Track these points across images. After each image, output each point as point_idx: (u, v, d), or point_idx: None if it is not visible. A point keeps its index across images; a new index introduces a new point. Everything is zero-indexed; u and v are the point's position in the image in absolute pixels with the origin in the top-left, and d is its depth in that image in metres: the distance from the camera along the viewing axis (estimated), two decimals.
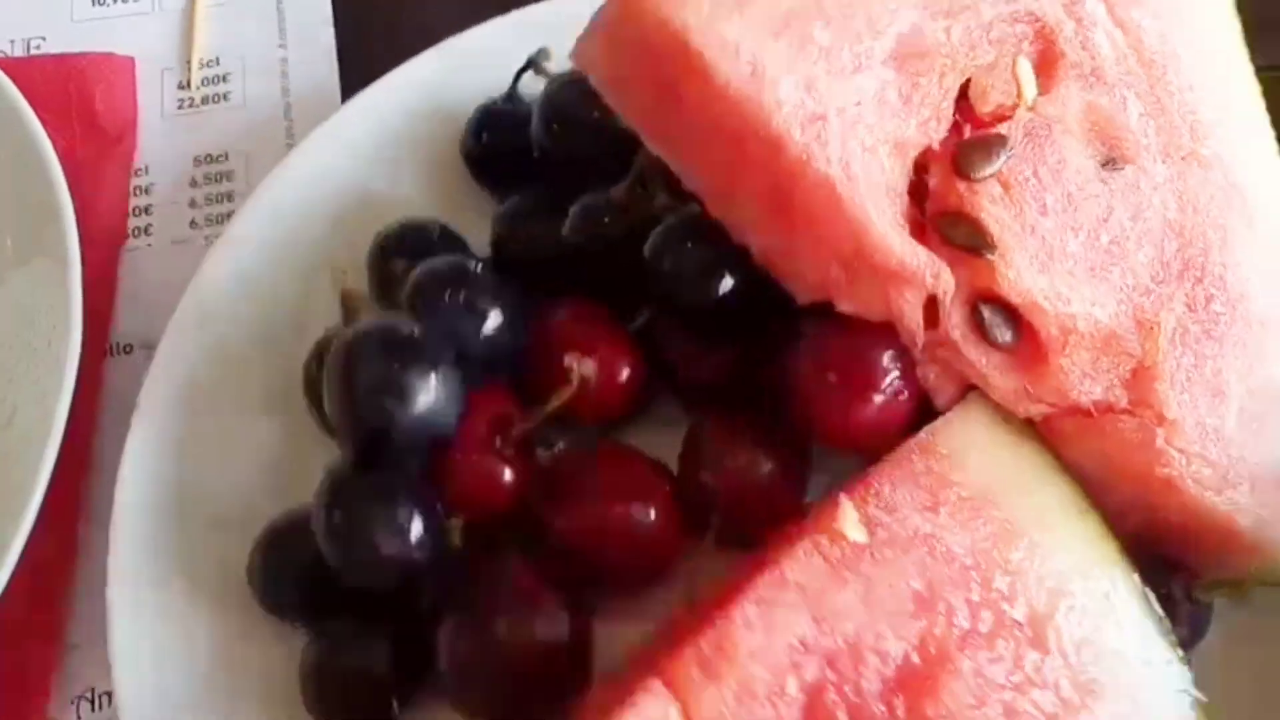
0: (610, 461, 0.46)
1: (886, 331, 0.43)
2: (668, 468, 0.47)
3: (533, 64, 0.54)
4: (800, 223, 0.41)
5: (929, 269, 0.41)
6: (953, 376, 0.43)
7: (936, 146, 0.43)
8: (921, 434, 0.42)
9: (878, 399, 0.43)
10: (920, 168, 0.43)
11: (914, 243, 0.42)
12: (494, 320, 0.45)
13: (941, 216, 0.43)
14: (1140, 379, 0.43)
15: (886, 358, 0.43)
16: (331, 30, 0.67)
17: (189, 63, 0.66)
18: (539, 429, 0.46)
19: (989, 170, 0.42)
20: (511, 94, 0.55)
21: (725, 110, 0.40)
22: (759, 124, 0.40)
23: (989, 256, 0.42)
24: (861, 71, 0.41)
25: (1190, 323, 0.44)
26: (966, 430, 0.43)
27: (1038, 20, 0.44)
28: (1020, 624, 0.40)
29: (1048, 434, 0.43)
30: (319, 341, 0.49)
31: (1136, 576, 0.41)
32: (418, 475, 0.44)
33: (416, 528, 0.42)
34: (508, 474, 0.45)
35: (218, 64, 0.66)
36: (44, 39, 0.66)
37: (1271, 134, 0.48)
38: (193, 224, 0.61)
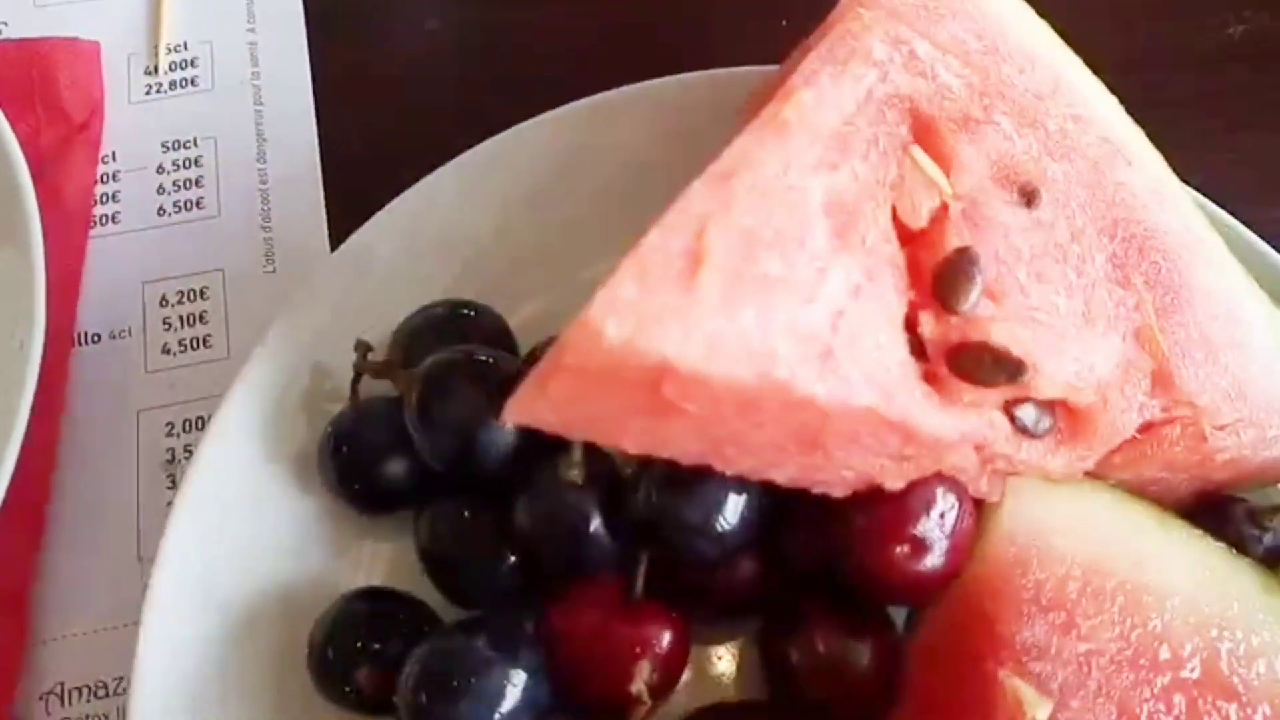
0: None
1: (929, 479, 0.41)
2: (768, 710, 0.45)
3: (361, 369, 0.48)
4: (835, 447, 0.38)
5: (984, 426, 0.40)
6: (1002, 475, 0.42)
7: (914, 296, 0.40)
8: (996, 547, 0.41)
9: (953, 545, 0.41)
10: (909, 324, 0.40)
11: (956, 410, 0.40)
12: (522, 688, 0.41)
13: (956, 358, 0.40)
14: (1160, 383, 0.43)
15: (947, 504, 0.41)
16: (301, 13, 0.65)
17: (156, 47, 0.64)
18: None
19: (975, 293, 0.40)
20: (356, 404, 0.48)
21: (737, 400, 0.36)
22: (780, 396, 0.36)
23: (1024, 378, 0.40)
24: (825, 275, 0.37)
25: (1160, 298, 0.43)
26: (1034, 513, 0.41)
27: (898, 98, 0.41)
28: (1202, 682, 0.39)
29: (1101, 471, 0.43)
30: None
31: (1238, 553, 0.41)
32: None
33: None
34: None
35: (185, 49, 0.64)
36: (5, 24, 0.64)
37: (1081, 62, 0.46)
38: (160, 210, 0.60)
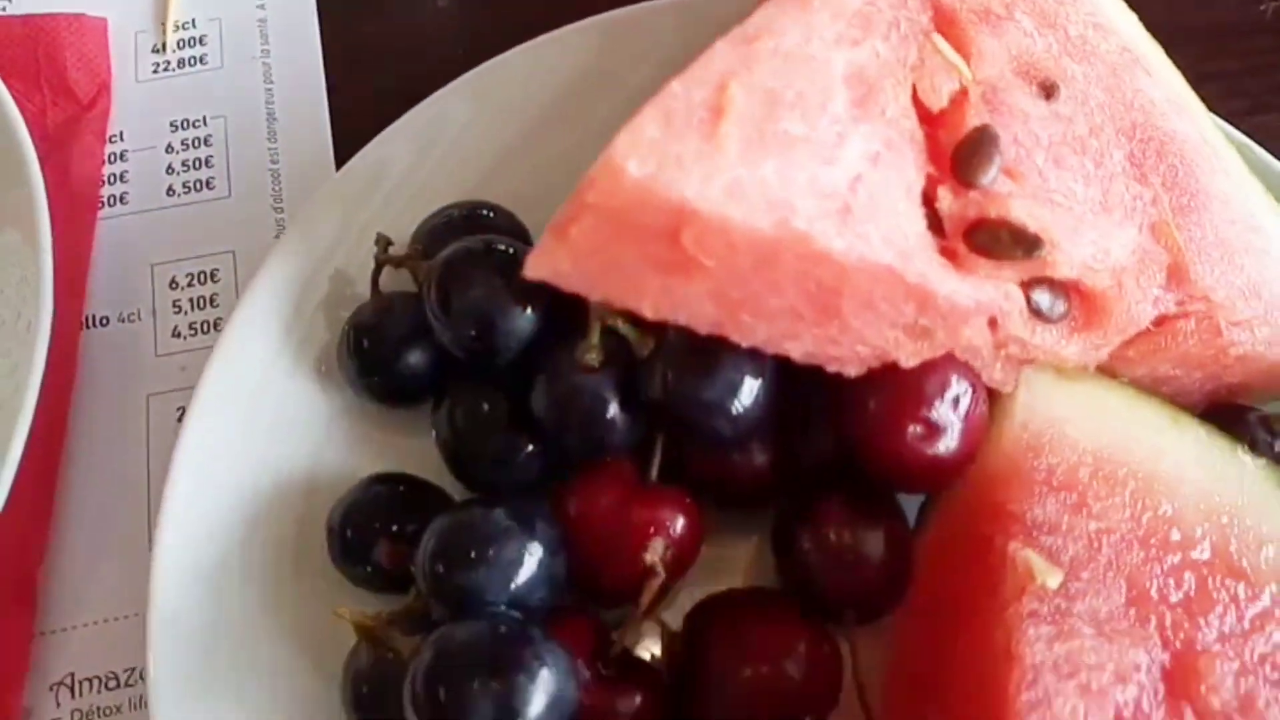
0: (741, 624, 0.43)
1: (943, 362, 0.41)
2: (780, 597, 0.44)
3: (382, 261, 0.49)
4: (852, 312, 0.38)
5: (999, 297, 0.40)
6: (1016, 363, 0.42)
7: (933, 171, 0.41)
8: (1008, 435, 0.41)
9: (966, 430, 0.41)
10: (927, 200, 0.41)
11: (972, 279, 0.40)
12: (539, 559, 0.41)
13: (973, 233, 0.40)
14: (1175, 277, 0.43)
15: (961, 389, 0.41)
16: None
17: (164, 25, 0.64)
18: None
19: (995, 168, 0.41)
20: (376, 299, 0.49)
21: (755, 253, 0.36)
22: (798, 248, 0.36)
23: (1041, 253, 0.40)
24: (844, 140, 0.38)
25: (1177, 199, 0.44)
26: (1048, 404, 0.42)
27: None
28: (1212, 563, 0.39)
29: (1115, 365, 0.43)
30: None
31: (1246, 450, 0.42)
32: None
33: None
34: (636, 698, 0.42)
35: (193, 26, 0.64)
36: (10, 0, 0.64)
37: None
38: (170, 191, 0.59)
